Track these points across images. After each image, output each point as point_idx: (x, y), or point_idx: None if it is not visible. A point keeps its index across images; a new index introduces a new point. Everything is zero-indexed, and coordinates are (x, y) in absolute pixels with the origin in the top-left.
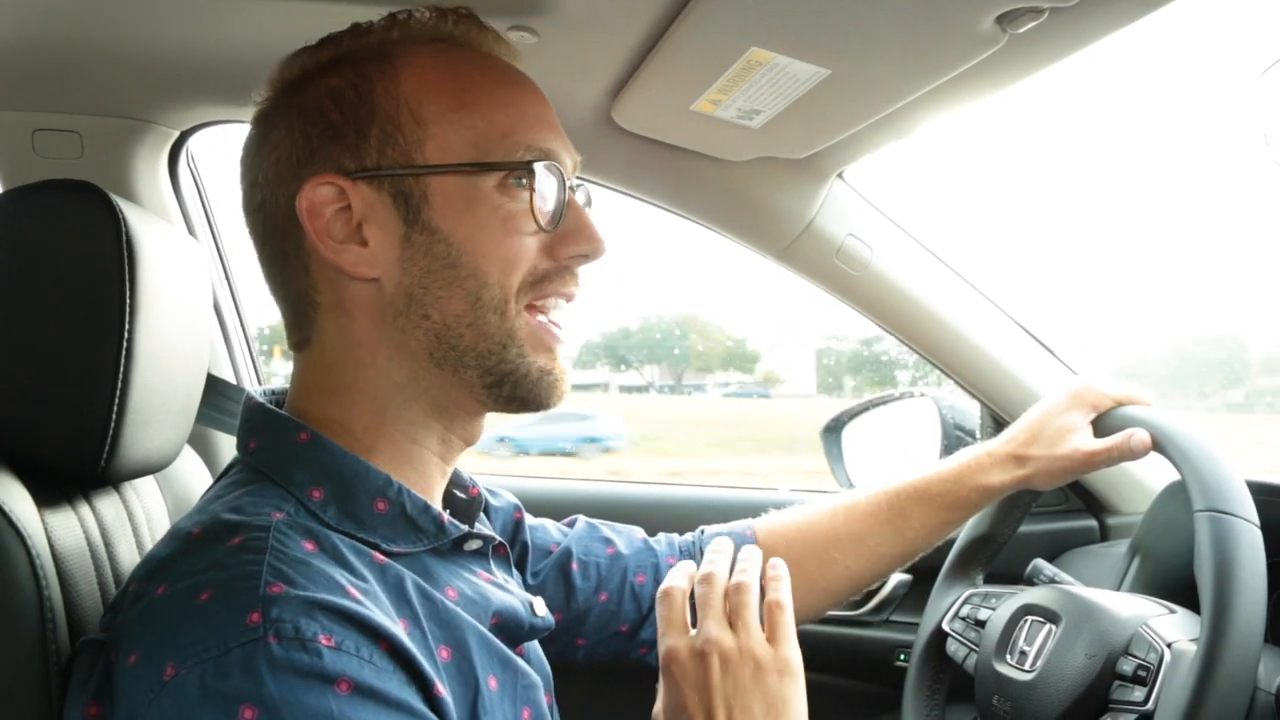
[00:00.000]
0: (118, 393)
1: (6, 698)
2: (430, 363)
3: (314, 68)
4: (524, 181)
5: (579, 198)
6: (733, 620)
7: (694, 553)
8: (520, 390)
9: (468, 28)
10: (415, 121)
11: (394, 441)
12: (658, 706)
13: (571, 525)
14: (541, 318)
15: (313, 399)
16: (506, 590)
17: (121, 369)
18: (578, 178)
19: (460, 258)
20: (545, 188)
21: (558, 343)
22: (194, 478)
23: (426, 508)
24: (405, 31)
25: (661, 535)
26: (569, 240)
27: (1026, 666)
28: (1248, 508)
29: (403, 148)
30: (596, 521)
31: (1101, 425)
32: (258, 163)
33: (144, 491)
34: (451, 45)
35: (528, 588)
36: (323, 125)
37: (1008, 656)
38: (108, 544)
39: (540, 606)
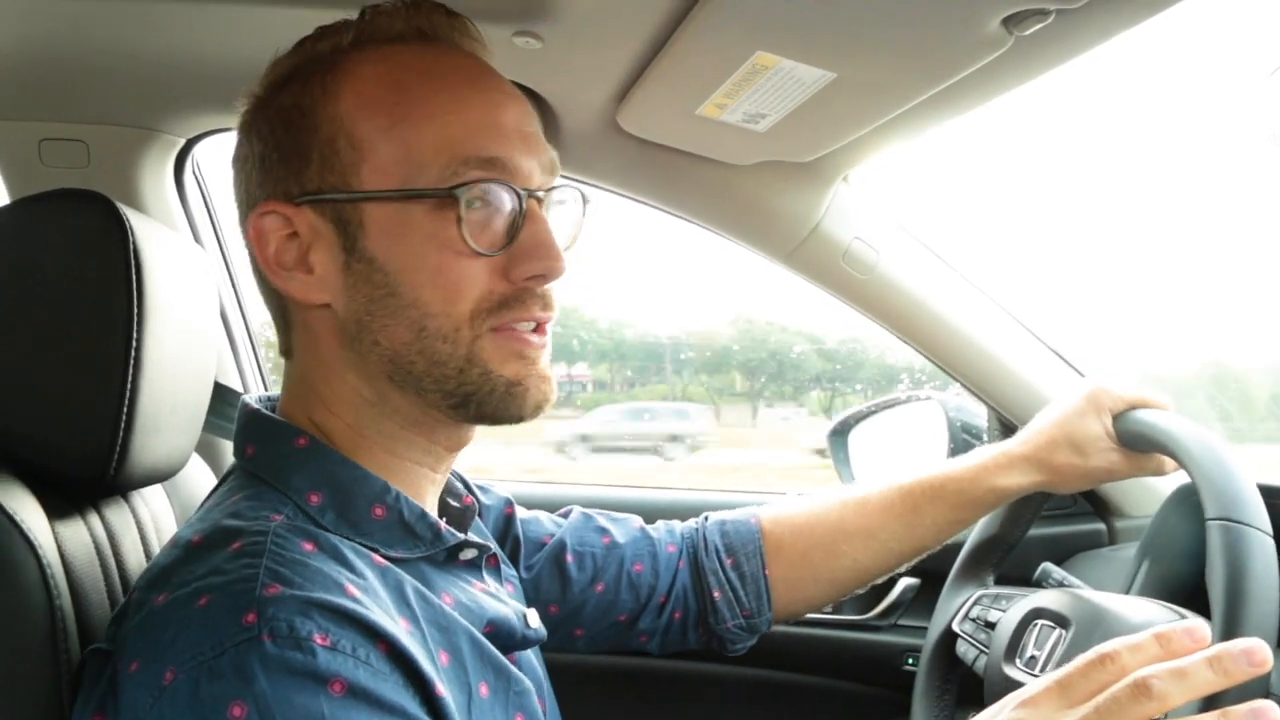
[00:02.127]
0: (126, 402)
1: (19, 706)
2: (391, 385)
3: (276, 81)
4: (468, 203)
5: (567, 199)
6: None
7: (696, 539)
8: (486, 408)
9: (435, 22)
10: (350, 144)
11: (374, 455)
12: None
13: (566, 516)
14: (505, 335)
15: (301, 406)
16: (500, 600)
17: (129, 378)
18: (577, 180)
19: (399, 287)
20: (487, 207)
21: (531, 348)
22: (201, 486)
23: (423, 515)
24: (361, 33)
25: (661, 523)
26: (521, 259)
27: (1036, 671)
28: (1261, 517)
29: (340, 172)
30: (592, 511)
31: (1115, 429)
32: (236, 182)
33: (152, 500)
34: (406, 46)
35: (521, 581)
36: (273, 146)
37: (1018, 660)
38: (116, 553)
39: (534, 618)
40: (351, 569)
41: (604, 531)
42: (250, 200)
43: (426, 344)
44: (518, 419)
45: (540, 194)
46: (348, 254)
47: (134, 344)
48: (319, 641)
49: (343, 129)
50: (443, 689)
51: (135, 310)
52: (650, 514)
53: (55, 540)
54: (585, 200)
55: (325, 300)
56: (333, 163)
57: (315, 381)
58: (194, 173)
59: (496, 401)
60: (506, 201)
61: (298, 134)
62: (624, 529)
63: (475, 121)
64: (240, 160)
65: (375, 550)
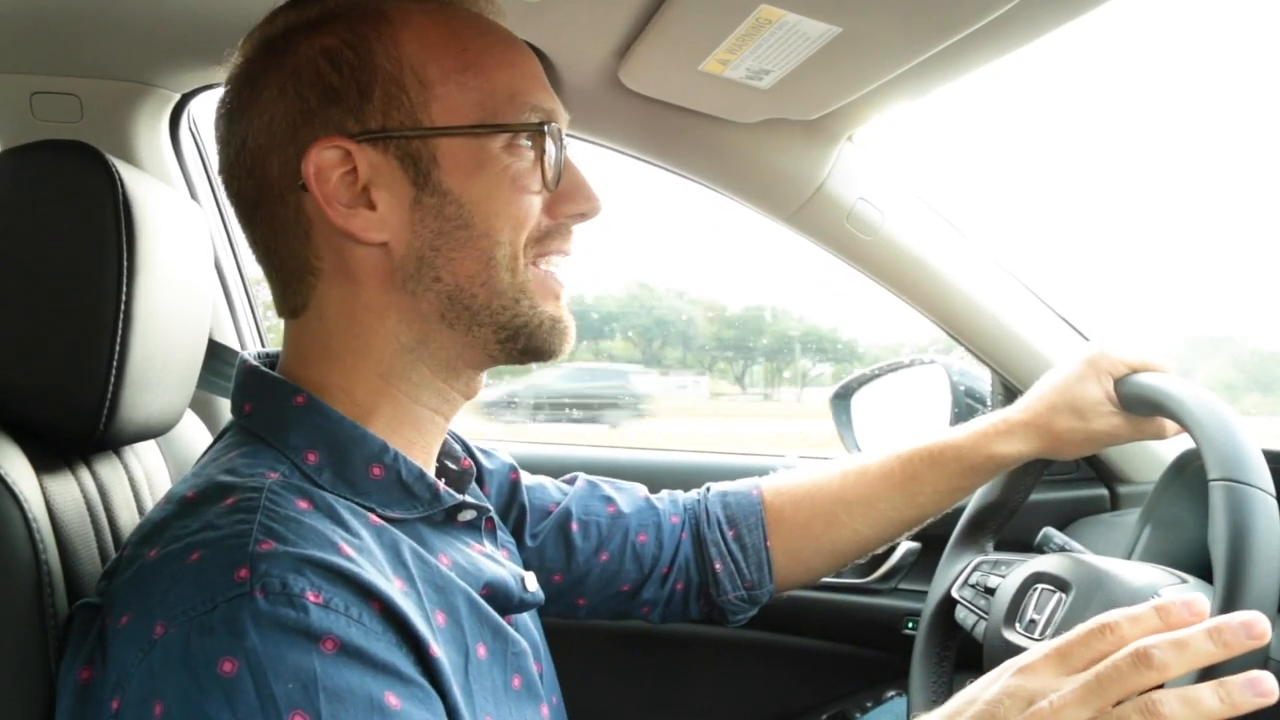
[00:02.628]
0: (116, 356)
1: (4, 662)
2: (442, 324)
3: (300, 25)
4: (530, 142)
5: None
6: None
7: (698, 511)
8: (535, 341)
9: None
10: (420, 83)
11: (396, 403)
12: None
13: (571, 483)
14: (545, 268)
15: (310, 365)
16: (498, 562)
17: (120, 332)
18: (579, 137)
19: (473, 218)
20: (542, 149)
21: (563, 289)
22: (196, 442)
23: (422, 474)
24: None
25: (664, 493)
26: (567, 199)
27: (1036, 635)
28: (1264, 477)
29: (408, 110)
30: (597, 479)
31: (1116, 393)
32: (245, 126)
33: (145, 456)
34: (440, 5)
35: (526, 549)
36: (321, 87)
37: (1017, 625)
38: (108, 508)
39: (531, 581)
40: (346, 528)
41: (609, 500)
42: (278, 144)
43: (492, 273)
44: (555, 354)
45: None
46: (418, 189)
47: (124, 297)
48: (311, 599)
49: (409, 67)
50: (437, 649)
51: (125, 263)
52: (652, 476)
53: (43, 495)
54: None
55: (384, 238)
56: (399, 101)
57: (340, 332)
58: (190, 128)
59: (544, 335)
60: (556, 146)
61: (353, 72)
62: (629, 498)
63: (530, 75)
64: (255, 106)
65: (372, 510)
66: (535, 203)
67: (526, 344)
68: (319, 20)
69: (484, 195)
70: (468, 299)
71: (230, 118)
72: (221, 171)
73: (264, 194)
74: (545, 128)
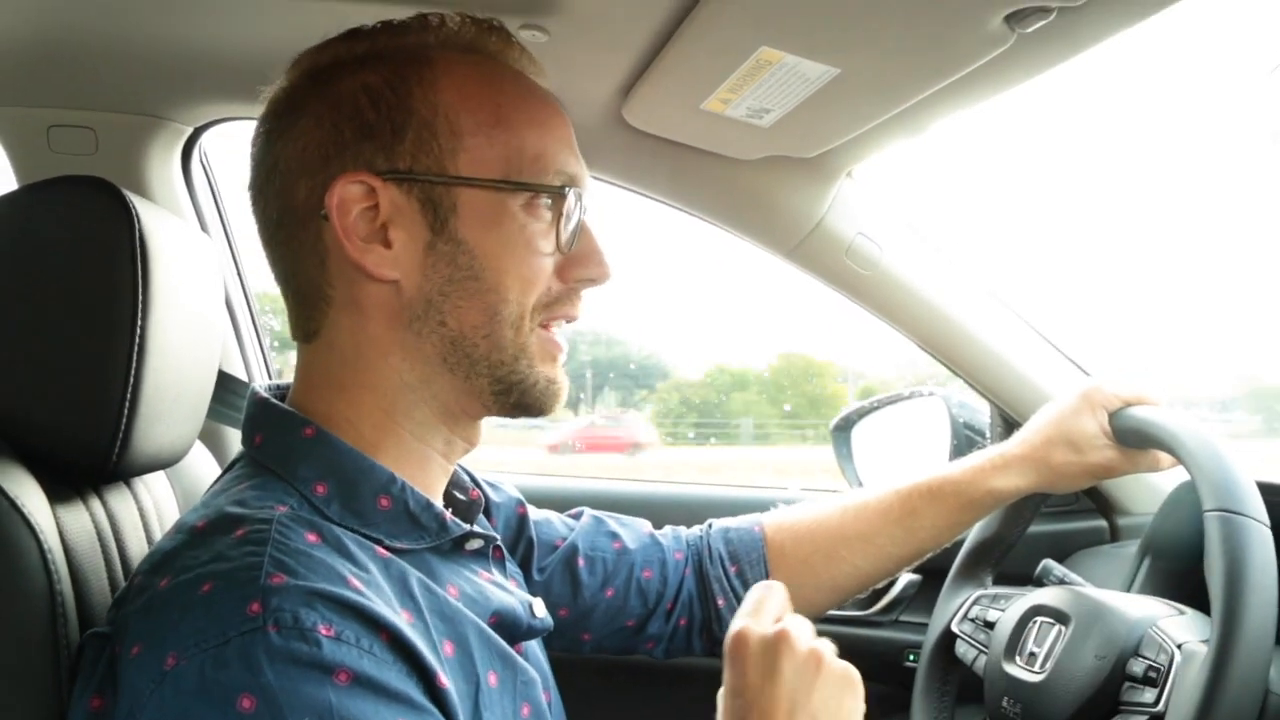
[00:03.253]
0: (130, 388)
1: (17, 689)
2: (443, 367)
3: (348, 59)
4: (549, 203)
5: (589, 219)
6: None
7: (701, 547)
8: (527, 399)
9: (500, 41)
10: (451, 131)
11: (400, 440)
12: (723, 689)
13: (577, 518)
14: (549, 332)
15: (319, 394)
16: (506, 590)
17: (134, 365)
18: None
19: (483, 271)
20: (563, 212)
21: (561, 352)
22: (205, 474)
23: (429, 505)
24: (440, 36)
25: (668, 529)
26: (579, 264)
27: (1036, 668)
28: (1258, 508)
29: (436, 155)
30: (602, 514)
31: (1112, 426)
32: (280, 148)
33: (154, 486)
34: (484, 57)
35: (533, 584)
36: (357, 121)
37: (1017, 658)
38: (118, 538)
39: (539, 608)
40: (354, 561)
41: (615, 536)
42: (308, 171)
43: (495, 328)
44: (545, 412)
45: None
46: (434, 234)
47: (138, 330)
48: (323, 632)
49: (444, 114)
50: (445, 680)
51: (140, 297)
52: (653, 509)
53: (56, 524)
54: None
55: (395, 276)
56: (430, 145)
57: (348, 363)
58: (201, 161)
59: (537, 394)
60: (577, 210)
61: (390, 111)
62: (634, 534)
63: (559, 138)
64: (292, 132)
65: (379, 542)
66: (547, 264)
67: (519, 400)
68: (365, 57)
69: (497, 251)
70: (469, 347)
71: (268, 138)
72: (250, 188)
73: (287, 216)
74: (566, 191)
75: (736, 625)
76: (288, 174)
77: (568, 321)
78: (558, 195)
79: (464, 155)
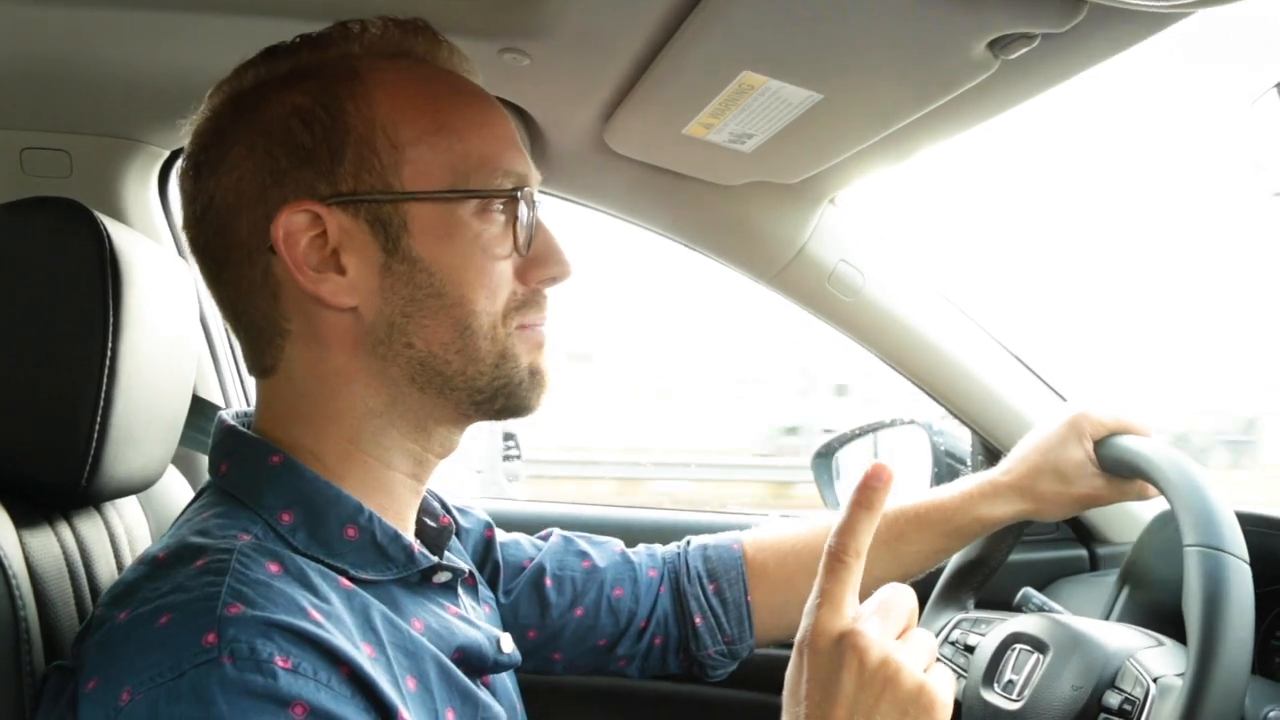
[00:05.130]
0: (100, 411)
1: None
2: (412, 387)
3: (271, 80)
4: (502, 207)
5: (543, 217)
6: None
7: (678, 564)
8: (513, 400)
9: (427, 42)
10: (391, 145)
11: (366, 468)
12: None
13: (546, 539)
14: (528, 331)
15: (281, 425)
16: (473, 625)
17: (104, 388)
18: (564, 198)
19: (444, 286)
20: (521, 213)
21: (545, 339)
22: (178, 499)
23: (397, 536)
24: (365, 44)
25: (642, 546)
26: (539, 264)
27: (1014, 695)
28: (1238, 544)
29: (379, 173)
30: (572, 534)
31: (1097, 455)
32: (213, 182)
33: (126, 512)
34: (414, 62)
35: (501, 606)
36: (291, 146)
37: (995, 685)
38: (88, 565)
39: (507, 643)
40: (316, 592)
41: (584, 555)
42: (246, 204)
43: (468, 342)
44: (534, 408)
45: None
46: (388, 255)
47: (109, 353)
48: (280, 664)
49: (381, 129)
50: (408, 715)
51: (111, 319)
52: (630, 534)
53: (22, 549)
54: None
55: (354, 303)
56: (371, 163)
57: (309, 395)
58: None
59: (522, 393)
60: (527, 209)
61: (325, 132)
62: (604, 553)
63: (502, 136)
64: (225, 164)
65: (344, 573)
66: (505, 270)
67: (505, 403)
68: (290, 76)
69: (456, 263)
70: (441, 365)
71: (197, 173)
72: (187, 228)
73: (232, 253)
74: (517, 193)
75: (817, 618)
76: (225, 209)
77: (541, 327)
78: (510, 198)
79: (408, 169)
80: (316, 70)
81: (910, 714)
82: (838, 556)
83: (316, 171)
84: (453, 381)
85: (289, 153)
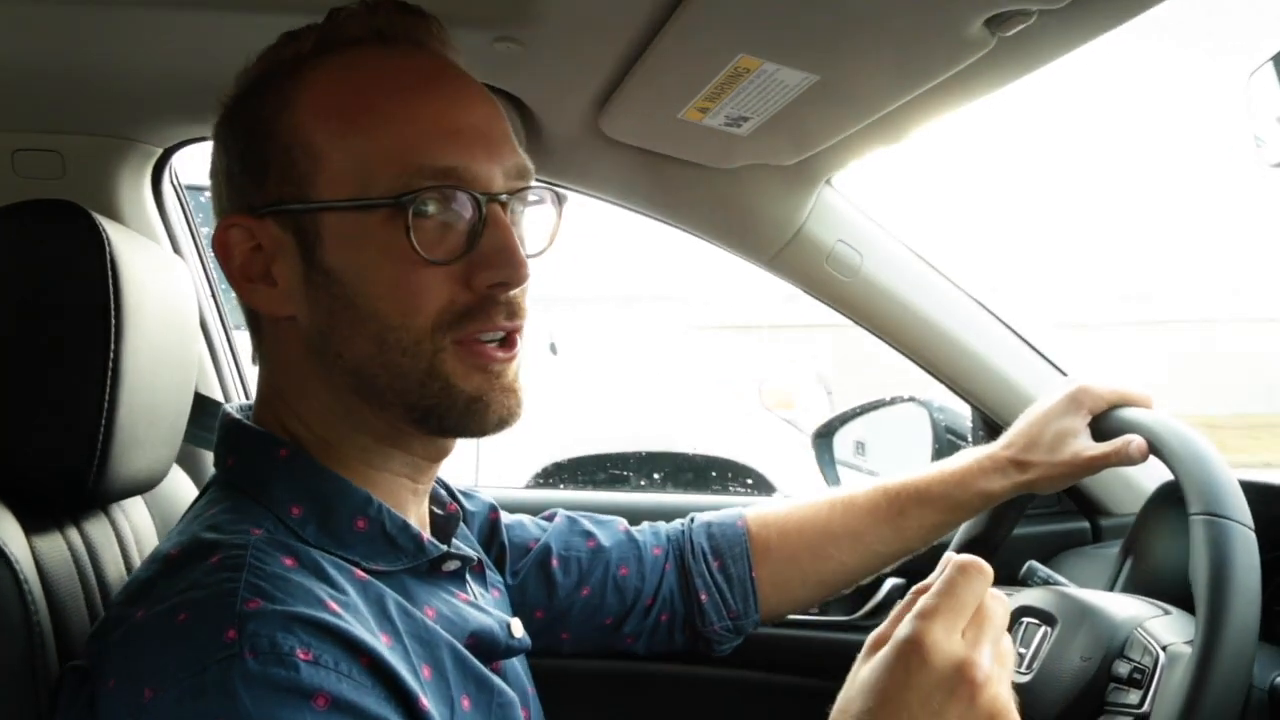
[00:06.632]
0: (105, 414)
1: None
2: (357, 398)
3: (245, 91)
4: (433, 208)
5: (544, 198)
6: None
7: (683, 542)
8: (448, 422)
9: (393, 22)
10: (307, 153)
11: (352, 466)
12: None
13: (551, 520)
14: (471, 348)
15: (279, 416)
16: (484, 611)
17: (108, 390)
18: (560, 185)
19: (356, 299)
20: (445, 213)
21: (495, 362)
22: (182, 497)
23: (406, 526)
24: (323, 38)
25: (645, 525)
26: (482, 266)
27: (1022, 669)
28: (1243, 511)
29: (296, 181)
30: (577, 515)
31: (1098, 428)
32: (211, 192)
33: (132, 512)
34: (365, 49)
35: (508, 588)
36: (237, 157)
37: None
38: (96, 566)
39: (518, 628)
40: (332, 584)
41: (589, 535)
42: (220, 213)
43: (388, 357)
44: (480, 433)
45: (503, 198)
46: (307, 265)
47: (112, 356)
48: (301, 656)
49: (299, 138)
50: (427, 703)
51: (114, 322)
52: (634, 517)
53: (32, 554)
54: (560, 199)
55: (290, 312)
56: (290, 173)
57: (285, 392)
58: (172, 182)
59: (458, 416)
60: (465, 208)
61: (259, 145)
62: (609, 532)
63: (429, 127)
64: (213, 174)
65: (357, 564)
66: (428, 279)
67: (440, 424)
68: (254, 86)
69: (364, 275)
70: (370, 378)
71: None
72: None
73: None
74: (424, 198)
75: (933, 632)
76: (216, 219)
77: (494, 335)
78: (441, 198)
79: (321, 177)
80: (268, 76)
81: None
82: (969, 569)
83: (251, 183)
84: (385, 396)
85: (236, 165)
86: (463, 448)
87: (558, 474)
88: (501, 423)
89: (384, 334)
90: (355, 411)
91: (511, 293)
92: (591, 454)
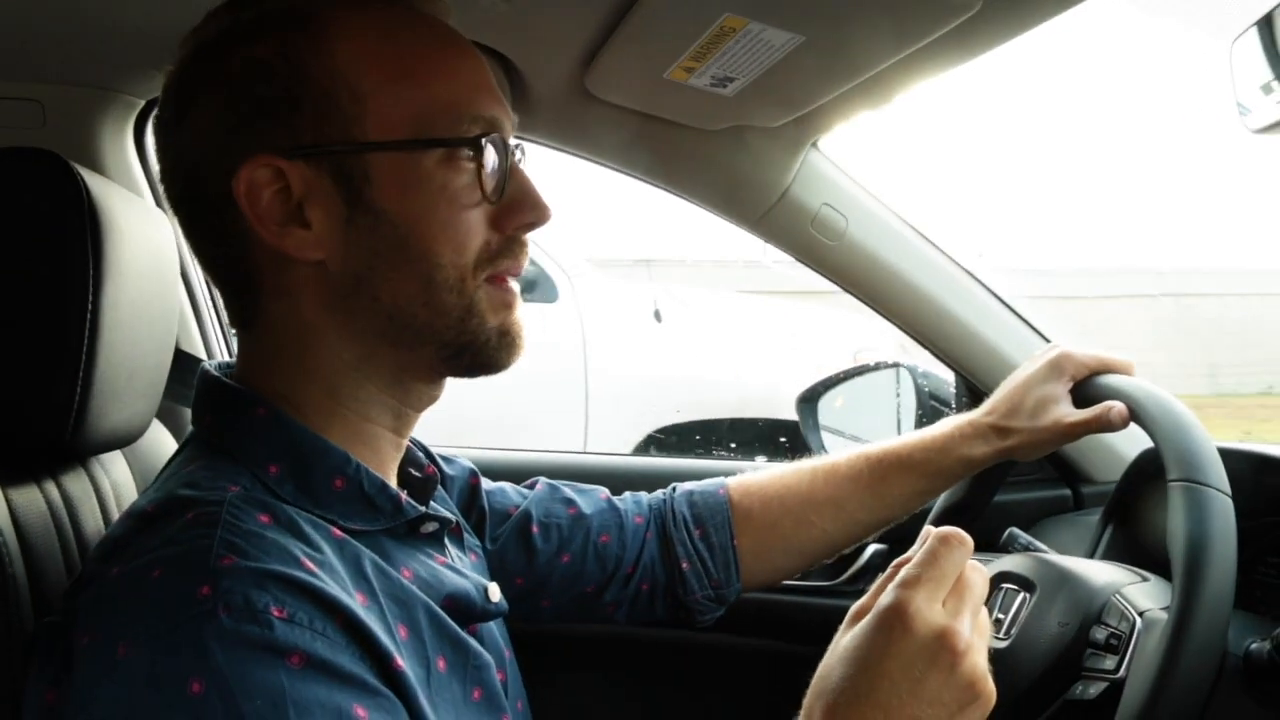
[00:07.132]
0: (83, 365)
1: None
2: (383, 341)
3: (236, 30)
4: (471, 152)
5: (518, 161)
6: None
7: (664, 510)
8: (481, 357)
9: None
10: (352, 96)
11: (346, 421)
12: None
13: (532, 487)
14: (496, 286)
15: (262, 377)
16: (461, 574)
17: (86, 341)
18: (545, 144)
19: (408, 239)
20: (490, 160)
21: (515, 298)
22: (163, 453)
23: (384, 486)
24: None
25: (628, 494)
26: (513, 210)
27: (1000, 634)
28: (1220, 478)
29: (340, 124)
30: (558, 482)
31: (1079, 394)
32: (180, 136)
33: (112, 468)
34: (384, 7)
35: (487, 554)
36: (252, 99)
37: None
38: (74, 521)
39: (495, 592)
40: (308, 542)
41: (570, 502)
42: (212, 158)
43: (434, 295)
44: (502, 368)
45: (514, 150)
46: (350, 208)
47: (90, 305)
48: (276, 614)
49: (342, 79)
50: (402, 662)
51: (92, 272)
52: (616, 480)
53: (8, 508)
54: (522, 153)
55: (320, 257)
56: (331, 115)
57: (286, 348)
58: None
59: (490, 351)
60: (498, 155)
61: (285, 84)
62: (590, 500)
63: (471, 81)
64: (189, 117)
65: (334, 523)
66: (476, 219)
67: (472, 360)
68: (253, 26)
69: (420, 215)
70: (408, 318)
71: (166, 127)
72: (161, 180)
73: (200, 206)
74: (487, 140)
75: (915, 601)
76: (192, 163)
77: (512, 276)
78: (476, 146)
79: (370, 119)
80: (278, 19)
81: (966, 714)
82: (951, 540)
83: (277, 123)
84: (421, 335)
85: (250, 105)
86: (576, 413)
87: (663, 440)
88: (517, 357)
89: (432, 273)
90: (373, 357)
91: (526, 235)
92: (693, 420)
